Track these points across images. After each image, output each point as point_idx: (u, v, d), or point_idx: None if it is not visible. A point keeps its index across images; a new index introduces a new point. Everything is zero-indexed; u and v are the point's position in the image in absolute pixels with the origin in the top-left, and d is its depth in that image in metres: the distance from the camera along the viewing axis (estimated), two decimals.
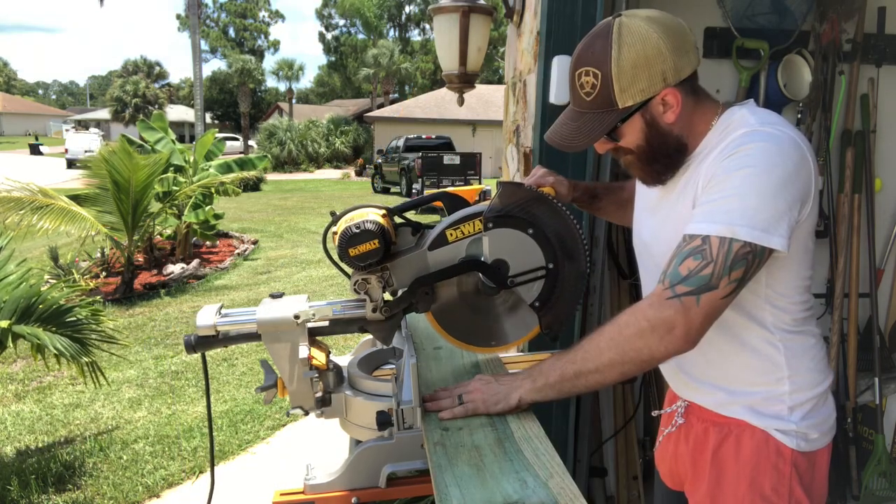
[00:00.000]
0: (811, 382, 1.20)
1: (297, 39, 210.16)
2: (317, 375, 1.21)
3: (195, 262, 8.21)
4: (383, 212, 1.17)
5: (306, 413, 1.24)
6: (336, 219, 1.16)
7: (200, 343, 1.17)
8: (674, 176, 1.19)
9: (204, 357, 1.25)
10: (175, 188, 7.77)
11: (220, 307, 1.20)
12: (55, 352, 2.85)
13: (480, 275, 1.19)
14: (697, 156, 1.16)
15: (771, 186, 1.00)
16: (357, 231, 1.09)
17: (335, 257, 1.16)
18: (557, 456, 0.98)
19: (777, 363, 1.18)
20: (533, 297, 1.21)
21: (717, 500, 1.24)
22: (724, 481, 1.23)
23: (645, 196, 1.32)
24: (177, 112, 44.26)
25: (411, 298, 1.18)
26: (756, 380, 1.19)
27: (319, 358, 1.21)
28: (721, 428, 1.24)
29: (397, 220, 1.22)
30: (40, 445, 3.67)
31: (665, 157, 1.16)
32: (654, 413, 1.48)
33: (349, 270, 1.18)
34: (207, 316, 1.17)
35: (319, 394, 1.23)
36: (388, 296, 1.21)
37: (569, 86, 1.15)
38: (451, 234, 1.16)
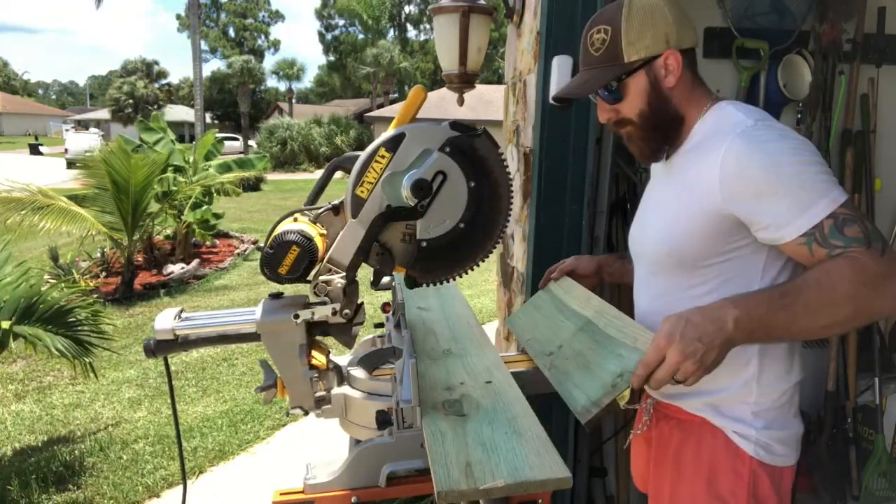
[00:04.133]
0: (779, 387, 1.19)
1: (295, 39, 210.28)
2: (316, 375, 1.21)
3: (195, 262, 8.21)
4: (294, 216, 1.15)
5: (306, 413, 1.24)
6: (261, 250, 1.13)
7: (160, 347, 1.17)
8: (668, 154, 1.25)
9: (166, 361, 1.25)
10: (175, 188, 7.77)
11: (181, 311, 1.20)
12: (56, 352, 2.86)
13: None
14: (686, 143, 1.21)
15: (812, 153, 1.06)
16: (271, 251, 1.07)
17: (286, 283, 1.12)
18: (637, 324, 1.14)
19: (748, 358, 1.17)
20: (428, 236, 1.15)
21: (676, 499, 1.25)
22: (683, 481, 1.24)
23: (643, 201, 1.39)
24: (176, 112, 44.20)
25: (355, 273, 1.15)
26: (722, 376, 1.13)
27: (319, 358, 1.21)
28: (683, 426, 1.25)
29: (316, 212, 1.17)
30: (40, 445, 3.67)
31: (664, 127, 1.20)
32: (622, 406, 1.47)
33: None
34: (166, 320, 1.16)
35: (319, 393, 1.24)
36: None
37: (580, 51, 1.23)
38: (362, 191, 1.12)
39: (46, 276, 6.20)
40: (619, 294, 2.33)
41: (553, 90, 1.98)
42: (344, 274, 1.16)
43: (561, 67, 1.96)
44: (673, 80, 1.17)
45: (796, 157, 1.04)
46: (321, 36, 44.29)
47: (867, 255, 1.00)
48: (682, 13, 1.18)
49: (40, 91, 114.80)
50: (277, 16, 50.08)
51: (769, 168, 1.04)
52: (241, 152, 28.78)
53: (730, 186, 1.07)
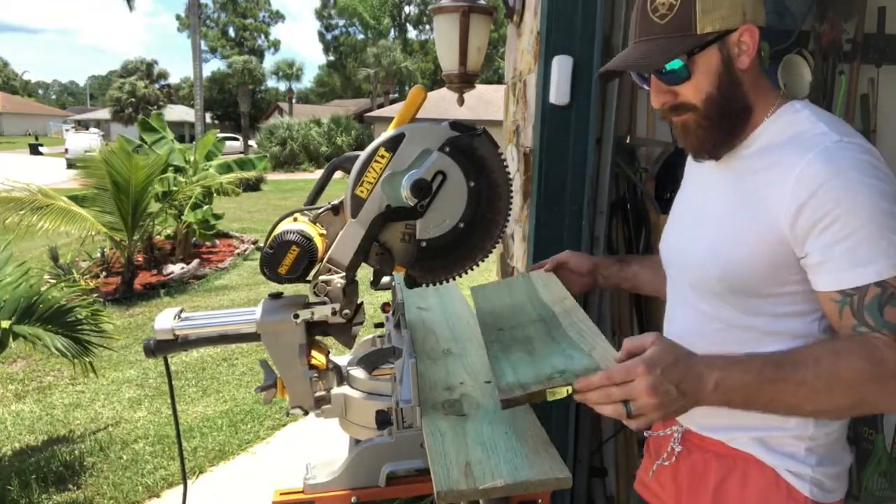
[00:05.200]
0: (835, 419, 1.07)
1: (295, 39, 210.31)
2: (316, 375, 1.21)
3: (195, 262, 8.21)
4: (294, 216, 1.15)
5: (306, 413, 1.24)
6: (261, 250, 1.14)
7: (160, 347, 1.17)
8: (727, 151, 1.07)
9: (166, 361, 1.25)
10: (175, 188, 7.77)
11: (181, 311, 1.20)
12: (55, 352, 2.86)
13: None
14: (751, 145, 1.05)
15: (895, 203, 0.92)
16: (271, 251, 1.07)
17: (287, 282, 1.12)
18: (601, 334, 1.04)
19: None
20: (427, 236, 1.15)
21: None
22: None
23: (681, 203, 1.25)
24: (177, 112, 44.24)
25: (353, 274, 1.14)
26: None
27: (319, 358, 1.21)
28: (724, 461, 1.12)
29: (316, 212, 1.17)
30: (40, 445, 3.67)
31: (733, 117, 1.04)
32: (647, 434, 1.35)
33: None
34: (166, 320, 1.16)
35: (319, 393, 1.24)
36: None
37: (636, 17, 1.05)
38: (362, 191, 1.12)
39: (46, 276, 6.20)
40: (644, 304, 2.32)
41: (553, 90, 1.98)
42: (344, 274, 1.16)
43: (561, 67, 1.96)
44: (747, 60, 1.00)
45: (878, 200, 0.90)
46: (321, 36, 44.42)
47: (892, 347, 0.89)
48: None
49: (40, 91, 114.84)
50: (277, 16, 50.12)
51: (843, 201, 0.90)
52: (241, 152, 28.78)
53: (798, 210, 0.94)
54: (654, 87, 1.06)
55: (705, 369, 0.88)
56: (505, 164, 1.16)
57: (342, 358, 1.44)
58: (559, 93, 1.97)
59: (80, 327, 3.09)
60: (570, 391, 0.89)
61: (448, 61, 2.30)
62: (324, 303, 1.16)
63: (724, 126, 1.04)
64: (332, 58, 45.40)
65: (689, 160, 1.24)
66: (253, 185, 17.22)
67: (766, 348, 1.01)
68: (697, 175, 1.20)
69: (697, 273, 1.12)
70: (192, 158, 8.63)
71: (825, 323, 1.02)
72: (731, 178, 1.07)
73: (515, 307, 1.29)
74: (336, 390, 1.30)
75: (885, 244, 0.89)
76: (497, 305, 1.34)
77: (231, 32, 47.29)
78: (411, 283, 1.20)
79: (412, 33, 45.65)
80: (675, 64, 1.00)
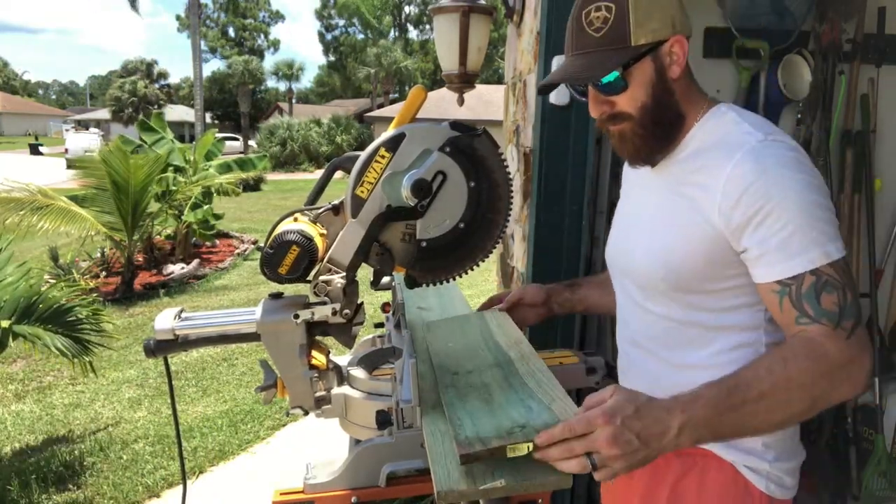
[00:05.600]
0: None
1: (295, 40, 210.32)
2: (316, 375, 1.21)
3: (195, 262, 8.21)
4: (294, 216, 1.15)
5: (306, 413, 1.24)
6: (261, 250, 1.14)
7: (160, 347, 1.17)
8: (662, 157, 1.11)
9: (166, 361, 1.25)
10: (175, 188, 7.77)
11: (181, 311, 1.20)
12: (55, 351, 2.86)
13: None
14: (684, 150, 1.09)
15: (821, 194, 0.97)
16: (271, 251, 1.07)
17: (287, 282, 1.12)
18: (559, 384, 1.04)
19: None
20: (427, 236, 1.15)
21: None
22: None
23: (622, 209, 1.29)
24: (177, 112, 44.23)
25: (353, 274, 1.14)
26: None
27: (319, 358, 1.22)
28: (684, 459, 1.14)
29: (315, 212, 1.17)
30: (40, 445, 3.67)
31: (666, 125, 1.08)
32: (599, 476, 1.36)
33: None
34: (166, 320, 1.16)
35: (319, 393, 1.24)
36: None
37: (571, 32, 1.07)
38: (362, 191, 1.12)
39: (46, 276, 6.20)
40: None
41: (553, 90, 1.97)
42: (344, 274, 1.16)
43: None
44: (678, 70, 1.05)
45: (805, 193, 0.95)
46: (321, 36, 44.38)
47: (831, 338, 0.93)
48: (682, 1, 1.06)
49: (40, 91, 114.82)
50: (277, 16, 50.13)
51: (773, 196, 0.95)
52: (241, 152, 28.77)
53: (731, 209, 0.98)
54: (592, 98, 1.10)
55: (666, 415, 0.88)
56: (505, 164, 1.16)
57: (342, 358, 1.44)
58: (559, 93, 1.97)
59: (79, 327, 3.09)
60: (530, 448, 0.88)
61: (448, 61, 2.29)
62: (324, 303, 1.16)
63: (659, 133, 1.08)
64: (332, 58, 45.41)
65: (626, 167, 1.28)
66: (253, 185, 17.23)
67: (717, 343, 1.09)
68: (635, 181, 1.25)
69: (642, 275, 1.15)
70: (191, 158, 8.63)
71: (769, 315, 1.04)
72: (666, 182, 1.12)
73: (470, 349, 1.27)
74: (336, 390, 1.30)
75: (816, 234, 0.94)
76: (450, 346, 1.31)
77: (231, 32, 47.30)
78: (411, 283, 1.20)
79: (412, 33, 45.71)
80: (612, 76, 1.03)
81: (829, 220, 0.96)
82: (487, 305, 1.51)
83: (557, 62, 1.96)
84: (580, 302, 1.49)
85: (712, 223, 1.01)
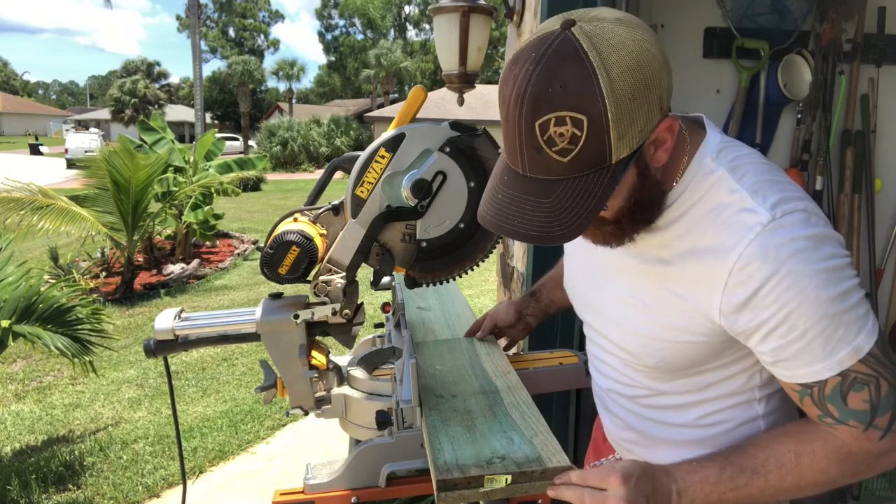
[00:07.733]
0: None
1: (295, 40, 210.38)
2: (316, 375, 1.21)
3: (195, 262, 8.21)
4: (294, 216, 1.15)
5: (306, 413, 1.24)
6: (261, 250, 1.14)
7: (160, 347, 1.17)
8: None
9: (166, 361, 1.25)
10: (175, 188, 7.77)
11: (181, 311, 1.20)
12: (55, 351, 2.86)
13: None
14: (664, 216, 0.91)
15: (843, 278, 0.82)
16: (271, 251, 1.08)
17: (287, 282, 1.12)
18: (543, 419, 1.04)
19: (753, 415, 1.00)
20: (427, 236, 1.15)
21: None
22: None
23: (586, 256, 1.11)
24: (177, 112, 44.25)
25: (353, 274, 1.14)
26: (729, 435, 1.01)
27: (319, 358, 1.21)
28: None
29: (315, 211, 1.18)
30: (40, 445, 3.67)
31: (647, 212, 0.89)
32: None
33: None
34: (166, 320, 1.16)
35: (319, 393, 1.24)
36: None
37: (515, 142, 0.77)
38: (362, 192, 1.13)
39: (46, 276, 6.20)
40: None
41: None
42: (344, 274, 1.16)
43: None
44: (665, 155, 0.83)
45: (824, 290, 0.80)
46: (321, 36, 44.43)
47: (859, 440, 0.84)
48: (663, 49, 0.79)
49: (40, 91, 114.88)
50: (277, 16, 50.14)
51: (787, 303, 0.81)
52: (241, 152, 28.81)
53: (734, 313, 0.85)
54: None
55: (666, 478, 0.88)
56: None
57: (342, 358, 1.44)
58: None
59: (79, 326, 3.09)
60: (508, 481, 0.89)
61: (448, 61, 2.29)
62: (324, 303, 1.16)
63: (639, 219, 0.89)
64: (332, 58, 45.43)
65: None
66: (253, 185, 17.24)
67: (704, 407, 1.01)
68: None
69: (626, 352, 1.04)
70: (191, 158, 8.63)
71: (766, 375, 0.96)
72: (643, 254, 0.95)
73: (456, 373, 1.27)
74: (336, 390, 1.30)
75: (842, 332, 0.81)
76: (438, 368, 1.31)
77: (231, 32, 47.31)
78: (411, 283, 1.20)
79: (412, 33, 45.72)
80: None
81: (855, 307, 0.82)
82: (470, 334, 1.47)
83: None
84: (548, 307, 1.45)
85: (713, 320, 0.89)
